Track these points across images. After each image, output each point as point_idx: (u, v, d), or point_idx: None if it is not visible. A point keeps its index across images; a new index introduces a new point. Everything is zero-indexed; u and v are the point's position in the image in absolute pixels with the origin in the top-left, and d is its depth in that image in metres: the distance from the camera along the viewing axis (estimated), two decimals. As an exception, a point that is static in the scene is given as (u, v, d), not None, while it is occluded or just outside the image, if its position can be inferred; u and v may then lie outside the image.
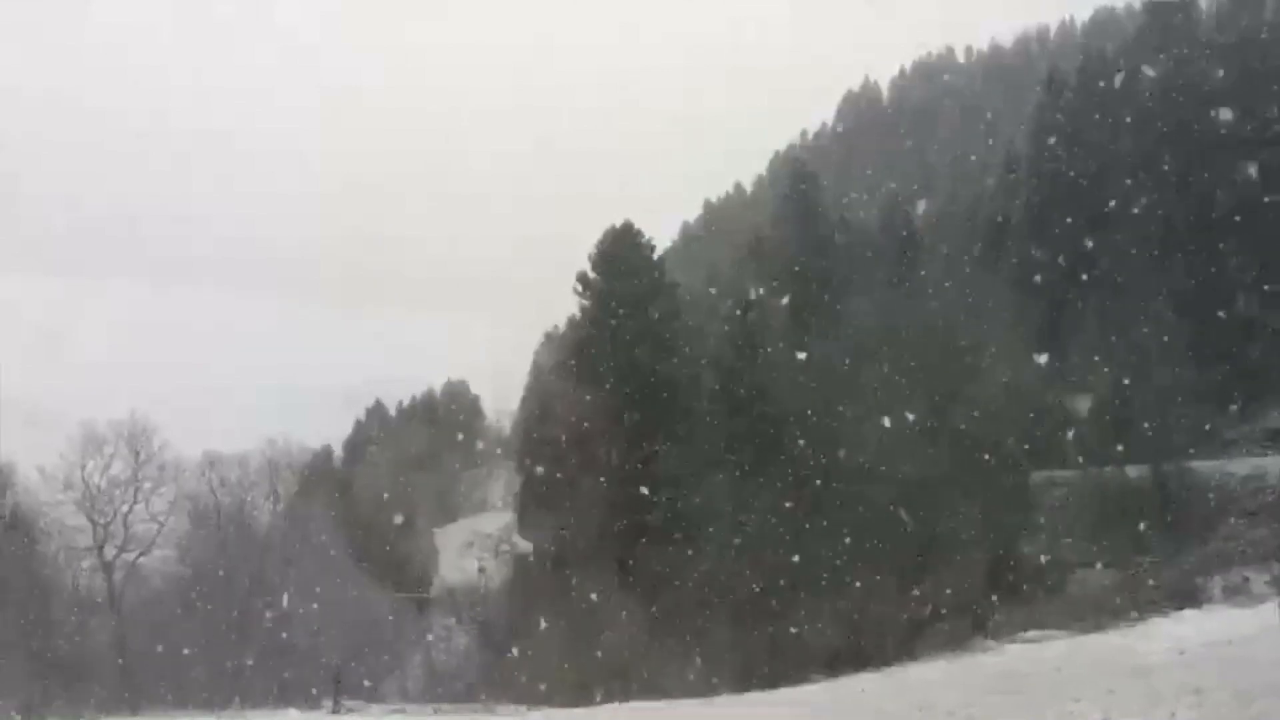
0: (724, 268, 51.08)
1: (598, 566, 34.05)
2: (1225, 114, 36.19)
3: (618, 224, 41.70)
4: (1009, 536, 31.55)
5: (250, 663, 39.97)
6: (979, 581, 29.43)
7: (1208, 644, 18.26)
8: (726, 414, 35.70)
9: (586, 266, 41.58)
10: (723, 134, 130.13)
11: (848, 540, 29.54)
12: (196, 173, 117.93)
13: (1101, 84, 43.96)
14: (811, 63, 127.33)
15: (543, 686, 29.53)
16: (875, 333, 34.66)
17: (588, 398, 37.81)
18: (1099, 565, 30.22)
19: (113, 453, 44.59)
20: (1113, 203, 37.42)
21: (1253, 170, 35.80)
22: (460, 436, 72.74)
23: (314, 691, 36.31)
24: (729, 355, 37.28)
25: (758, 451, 33.84)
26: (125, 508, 44.70)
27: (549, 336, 60.66)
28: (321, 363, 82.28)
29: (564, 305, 45.96)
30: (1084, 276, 37.85)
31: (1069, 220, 40.60)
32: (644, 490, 35.63)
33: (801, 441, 32.22)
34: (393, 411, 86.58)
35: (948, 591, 28.97)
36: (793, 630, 28.81)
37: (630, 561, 34.21)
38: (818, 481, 31.26)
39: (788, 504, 31.56)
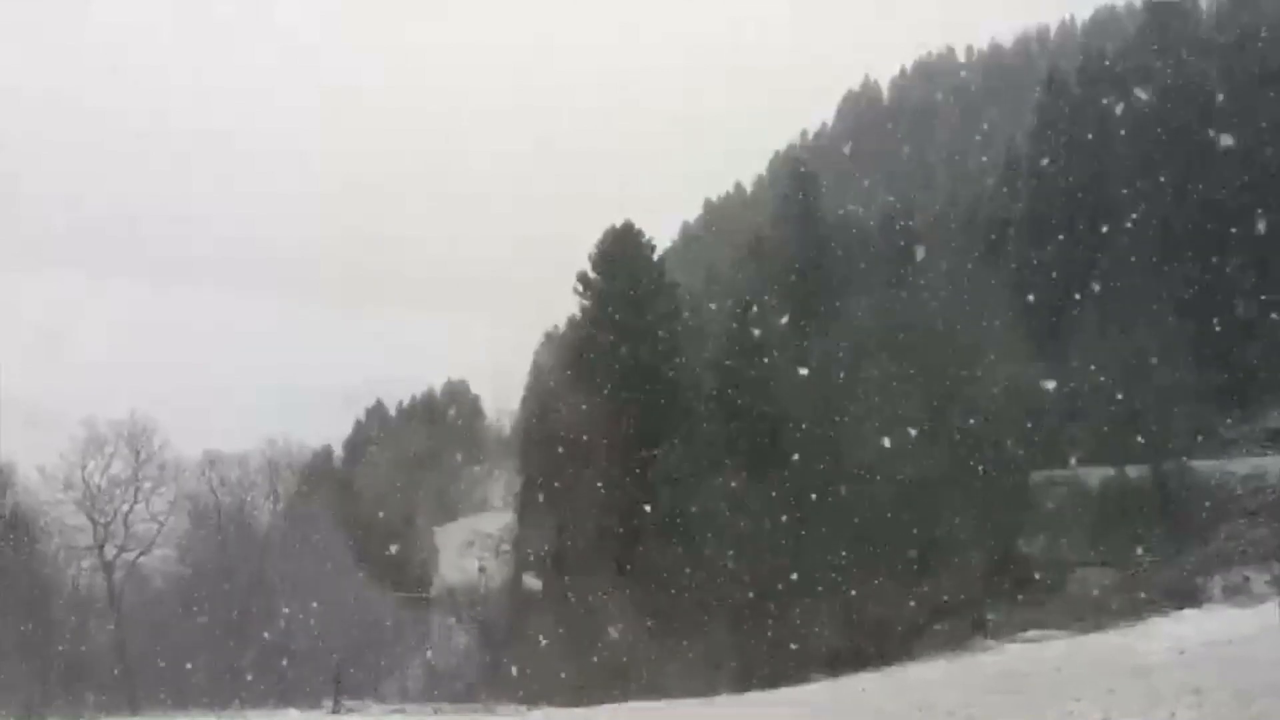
0: (724, 268, 51.08)
1: (598, 566, 34.06)
2: (1225, 114, 36.20)
3: (618, 224, 41.68)
4: (1009, 537, 31.57)
5: (250, 662, 40.02)
6: (979, 582, 29.46)
7: (1208, 644, 18.27)
8: (726, 414, 35.71)
9: (587, 266, 41.58)
10: (723, 134, 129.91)
11: (848, 540, 29.57)
12: (196, 173, 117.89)
13: (1102, 84, 43.95)
14: (811, 63, 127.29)
15: (543, 686, 29.55)
16: (875, 333, 34.65)
17: (588, 398, 37.80)
18: (1099, 565, 30.25)
19: (113, 452, 44.61)
20: (1113, 203, 37.42)
21: (1253, 170, 35.81)
22: (460, 436, 72.83)
23: (314, 691, 36.36)
24: (729, 355, 37.27)
25: (757, 452, 33.85)
26: (125, 507, 44.71)
27: (549, 336, 60.61)
28: (321, 363, 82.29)
29: (564, 305, 45.97)
30: (1084, 277, 37.81)
31: (1069, 220, 40.61)
32: (644, 490, 35.66)
33: (801, 442, 32.23)
34: (393, 411, 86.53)
35: (948, 592, 29.00)
36: (793, 630, 28.82)
37: (630, 561, 34.21)
38: (818, 482, 31.25)
39: (787, 504, 31.57)
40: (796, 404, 33.25)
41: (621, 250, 41.04)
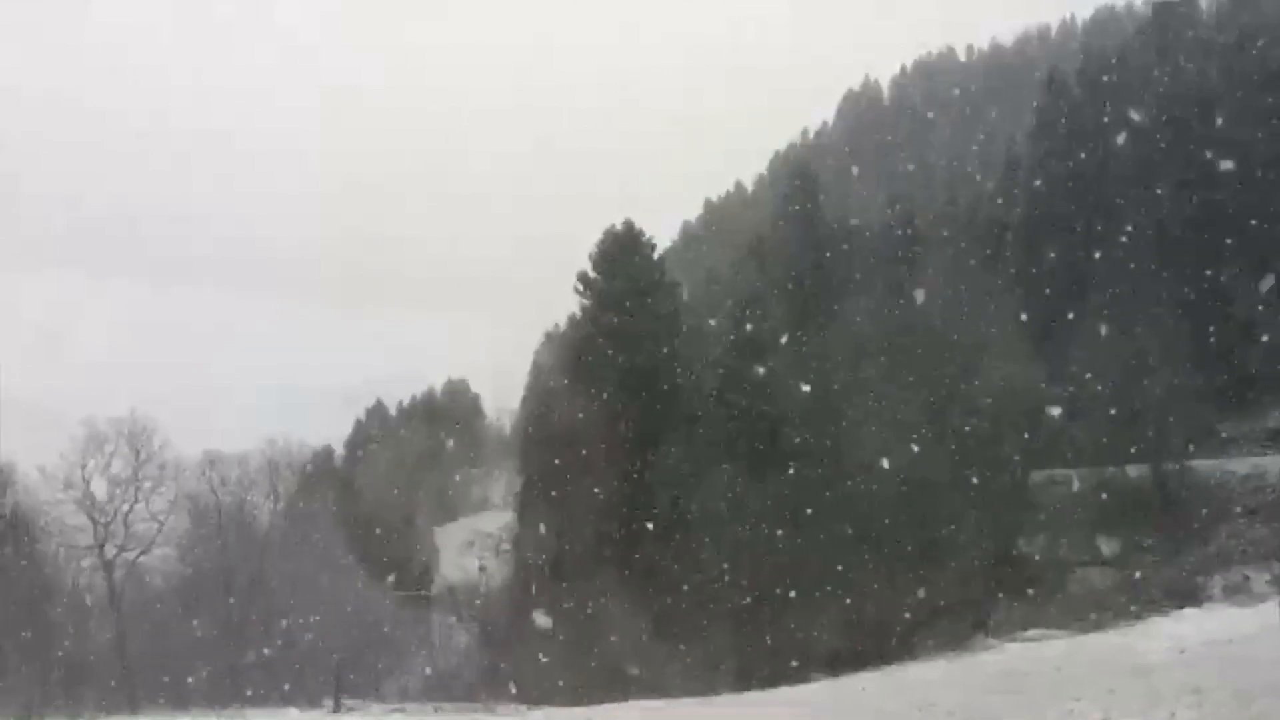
0: (724, 268, 51.05)
1: (598, 565, 34.06)
2: (1225, 114, 36.22)
3: (618, 224, 41.67)
4: (1009, 536, 31.59)
5: (250, 662, 40.00)
6: (979, 581, 29.47)
7: (1208, 643, 18.26)
8: (727, 414, 35.70)
9: (587, 266, 41.57)
10: (723, 134, 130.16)
11: (848, 540, 29.58)
12: (196, 173, 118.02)
13: (1102, 84, 43.95)
14: (811, 62, 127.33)
15: (543, 685, 29.54)
16: (875, 333, 34.67)
17: (588, 397, 37.80)
18: (1099, 565, 30.26)
19: (113, 452, 44.53)
20: (1113, 203, 37.44)
21: (1253, 170, 35.78)
22: (461, 436, 72.85)
23: (314, 690, 36.35)
24: (729, 355, 37.27)
25: (757, 451, 33.85)
26: (126, 507, 44.66)
27: (549, 336, 60.62)
28: (321, 363, 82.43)
29: (564, 305, 45.98)
30: (1084, 277, 37.84)
31: (1069, 220, 40.62)
32: (644, 490, 35.68)
33: (801, 441, 32.24)
34: (393, 411, 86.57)
35: (948, 591, 28.99)
36: (793, 629, 28.81)
37: (630, 560, 34.20)
38: (818, 481, 31.27)
39: (787, 504, 31.58)
40: (797, 404, 33.24)
41: (622, 250, 41.03)
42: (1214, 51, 41.60)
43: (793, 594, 29.75)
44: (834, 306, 38.20)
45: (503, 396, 77.05)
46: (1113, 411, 32.47)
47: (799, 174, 55.68)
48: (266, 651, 39.85)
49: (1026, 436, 32.07)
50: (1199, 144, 36.45)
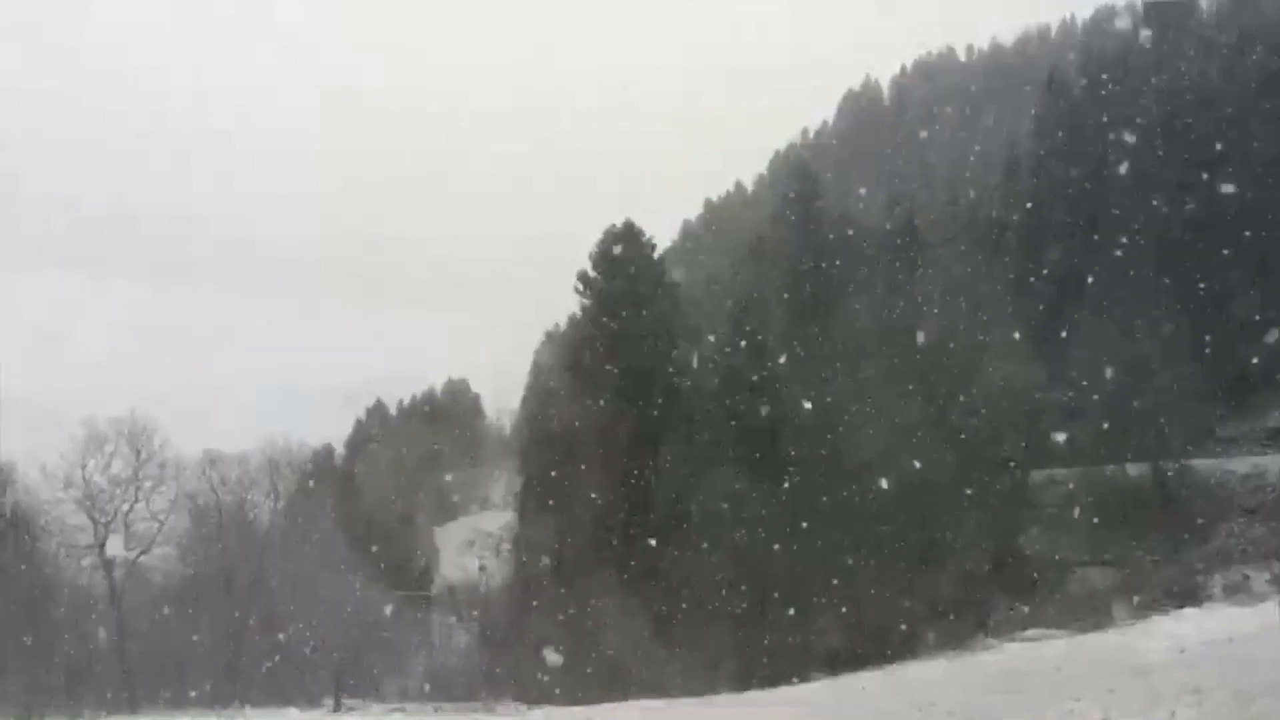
0: (725, 267, 51.05)
1: (598, 565, 34.07)
2: (1225, 113, 36.22)
3: (618, 224, 41.68)
4: (1009, 535, 31.61)
5: (251, 661, 40.00)
6: (979, 581, 29.50)
7: (1208, 642, 18.26)
8: (727, 413, 35.71)
9: (587, 266, 41.57)
10: (723, 134, 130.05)
11: (848, 539, 29.58)
12: (196, 173, 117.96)
13: (1102, 83, 43.96)
14: (811, 62, 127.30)
15: (543, 685, 29.55)
16: (875, 332, 34.68)
17: (588, 397, 37.82)
18: (1099, 564, 30.28)
19: (113, 451, 44.47)
20: (1113, 202, 37.44)
21: (1253, 169, 35.80)
22: (461, 435, 72.85)
23: (314, 690, 36.38)
24: (730, 355, 37.27)
25: (758, 451, 33.85)
26: (126, 506, 44.62)
27: (550, 335, 60.64)
28: (321, 363, 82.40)
29: (564, 305, 45.97)
30: (1084, 276, 37.85)
31: (1069, 219, 40.63)
32: (644, 489, 35.69)
33: (801, 441, 32.25)
34: (393, 410, 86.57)
35: (948, 591, 29.02)
36: (793, 629, 28.82)
37: (630, 560, 34.21)
38: (818, 480, 31.28)
39: (788, 503, 31.59)
40: (797, 404, 33.24)
41: (622, 249, 41.02)
42: (1214, 52, 41.62)
43: (793, 593, 29.77)
44: (834, 306, 38.21)
45: (503, 396, 77.09)
46: (1113, 411, 32.49)
47: (799, 174, 55.74)
48: (266, 651, 39.86)
49: (1026, 436, 32.09)
50: (1199, 144, 36.48)
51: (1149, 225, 36.68)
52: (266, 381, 74.50)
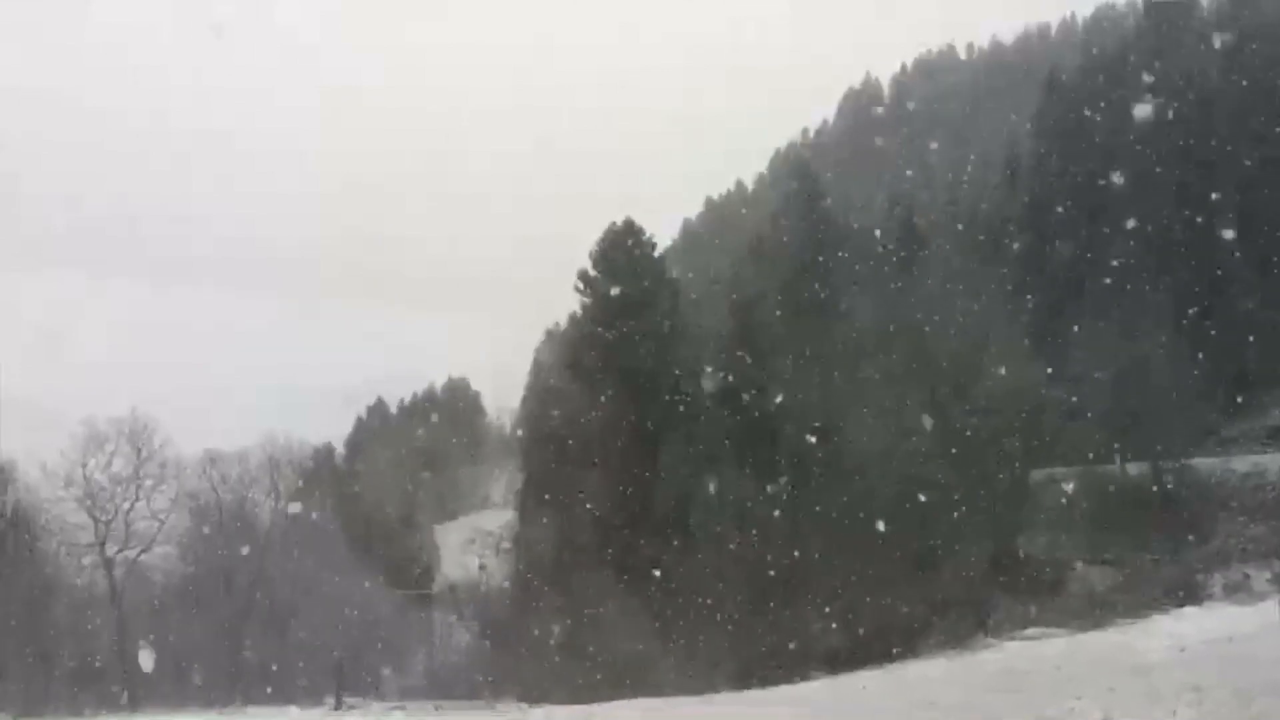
0: (725, 265, 51.02)
1: (598, 564, 34.09)
2: (1226, 112, 36.21)
3: (619, 222, 41.67)
4: (1009, 534, 31.59)
5: (251, 659, 40.08)
6: (980, 579, 29.48)
7: (1208, 641, 18.28)
8: (727, 412, 35.71)
9: (587, 265, 41.56)
10: (723, 133, 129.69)
11: (848, 539, 29.56)
12: (196, 173, 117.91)
13: (1103, 82, 43.92)
14: (812, 61, 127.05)
15: (543, 683, 29.58)
16: (876, 331, 34.65)
17: (589, 395, 37.83)
18: (1099, 563, 30.28)
19: (114, 450, 44.57)
20: (1113, 201, 37.40)
21: (1253, 169, 35.81)
22: (461, 434, 72.84)
23: (315, 688, 36.41)
24: (730, 353, 37.27)
25: (758, 449, 33.85)
26: (126, 505, 44.70)
27: (550, 334, 60.65)
28: (321, 363, 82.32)
29: (564, 304, 45.95)
30: (1084, 275, 37.82)
31: (1069, 218, 40.60)
32: (645, 488, 35.68)
33: (802, 439, 32.24)
34: (394, 409, 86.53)
35: (948, 590, 29.02)
36: (793, 628, 28.83)
37: (631, 559, 34.20)
38: (818, 479, 31.28)
39: (788, 502, 31.59)
40: (797, 401, 33.24)
41: (622, 248, 41.02)
42: (1215, 50, 41.54)
43: (793, 592, 29.78)
44: (834, 305, 38.17)
45: (503, 395, 77.10)
46: (1113, 410, 32.48)
47: (799, 173, 55.70)
48: (267, 649, 39.92)
49: (1026, 435, 32.07)
50: (1199, 143, 36.46)
51: (1149, 224, 36.64)
52: (266, 381, 74.45)
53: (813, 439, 31.60)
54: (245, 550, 43.55)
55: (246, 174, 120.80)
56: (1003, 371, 32.32)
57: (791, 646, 28.30)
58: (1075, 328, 35.17)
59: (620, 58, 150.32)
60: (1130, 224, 36.05)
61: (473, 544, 57.21)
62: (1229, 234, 34.65)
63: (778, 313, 37.60)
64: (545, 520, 37.90)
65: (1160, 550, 29.75)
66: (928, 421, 30.92)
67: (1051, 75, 50.44)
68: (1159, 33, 45.05)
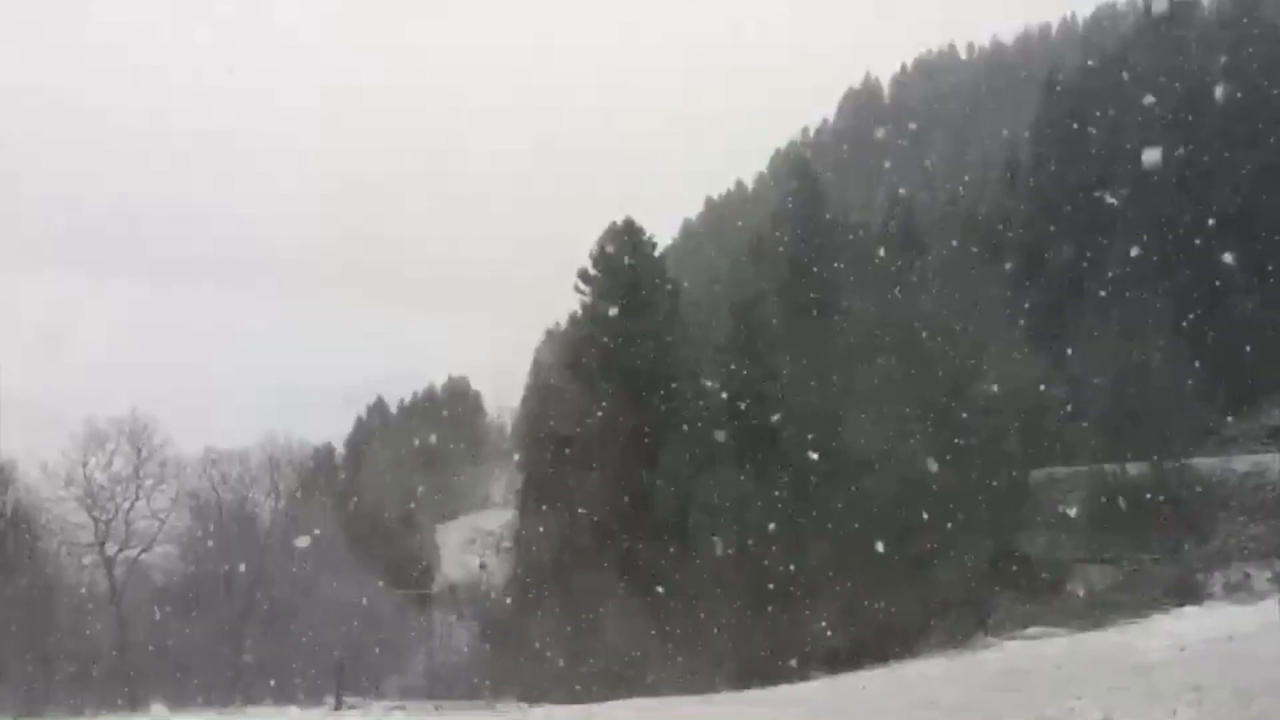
0: (725, 265, 51.07)
1: (598, 563, 34.11)
2: (1226, 113, 36.19)
3: (619, 222, 41.70)
4: (1009, 534, 31.58)
5: (251, 659, 40.08)
6: (980, 579, 29.47)
7: (1208, 641, 18.26)
8: (727, 411, 35.73)
9: (587, 265, 41.59)
10: (723, 133, 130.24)
11: (848, 538, 29.57)
12: (196, 173, 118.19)
13: (1103, 82, 43.92)
14: (812, 61, 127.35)
15: (544, 683, 29.57)
16: (876, 331, 34.65)
17: (589, 395, 37.85)
18: (1100, 563, 30.27)
19: (114, 449, 44.61)
20: (1113, 201, 37.40)
21: (1253, 169, 35.81)
22: (462, 434, 72.92)
23: (315, 688, 36.38)
24: (730, 353, 37.29)
25: (758, 449, 33.88)
26: (127, 504, 44.71)
27: (550, 334, 60.71)
28: (321, 363, 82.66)
29: (565, 304, 46.06)
30: (1084, 275, 37.85)
31: (1069, 218, 40.61)
32: (645, 487, 35.70)
33: (802, 439, 32.24)
34: (394, 409, 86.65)
35: (948, 589, 29.02)
36: (793, 628, 28.84)
37: (631, 558, 34.24)
38: (818, 479, 31.29)
39: (788, 501, 31.60)
40: (797, 400, 33.26)
41: (622, 247, 41.05)
42: (1215, 51, 41.52)
43: (792, 592, 29.78)
44: (834, 305, 38.20)
45: (503, 394, 77.27)
46: (1113, 410, 32.48)
47: (799, 172, 55.78)
48: (267, 649, 39.91)
49: (1026, 435, 32.07)
50: (1199, 143, 36.45)
51: (1149, 224, 36.65)
52: (266, 381, 74.67)
53: (812, 438, 31.62)
54: (245, 550, 43.59)
55: (246, 174, 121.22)
56: (1002, 372, 32.33)
57: (791, 646, 28.28)
58: (1075, 328, 35.20)
59: (620, 58, 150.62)
60: (1130, 223, 36.09)
61: (473, 544, 57.36)
62: (1229, 234, 34.67)
63: (778, 313, 37.63)
64: (545, 520, 37.92)
65: (1160, 550, 29.73)
66: (927, 420, 30.94)
67: (1051, 76, 50.43)
68: (1159, 33, 45.02)
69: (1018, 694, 16.54)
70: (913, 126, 78.60)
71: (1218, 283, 35.04)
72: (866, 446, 30.92)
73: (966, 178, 59.33)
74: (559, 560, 36.44)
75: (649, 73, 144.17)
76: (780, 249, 43.45)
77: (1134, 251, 35.09)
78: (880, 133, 79.00)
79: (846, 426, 31.83)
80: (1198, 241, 35.28)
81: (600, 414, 37.03)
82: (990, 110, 75.76)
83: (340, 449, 73.66)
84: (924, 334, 33.31)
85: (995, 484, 30.98)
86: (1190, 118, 37.65)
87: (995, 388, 31.96)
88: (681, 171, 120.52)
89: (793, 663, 26.55)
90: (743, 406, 35.01)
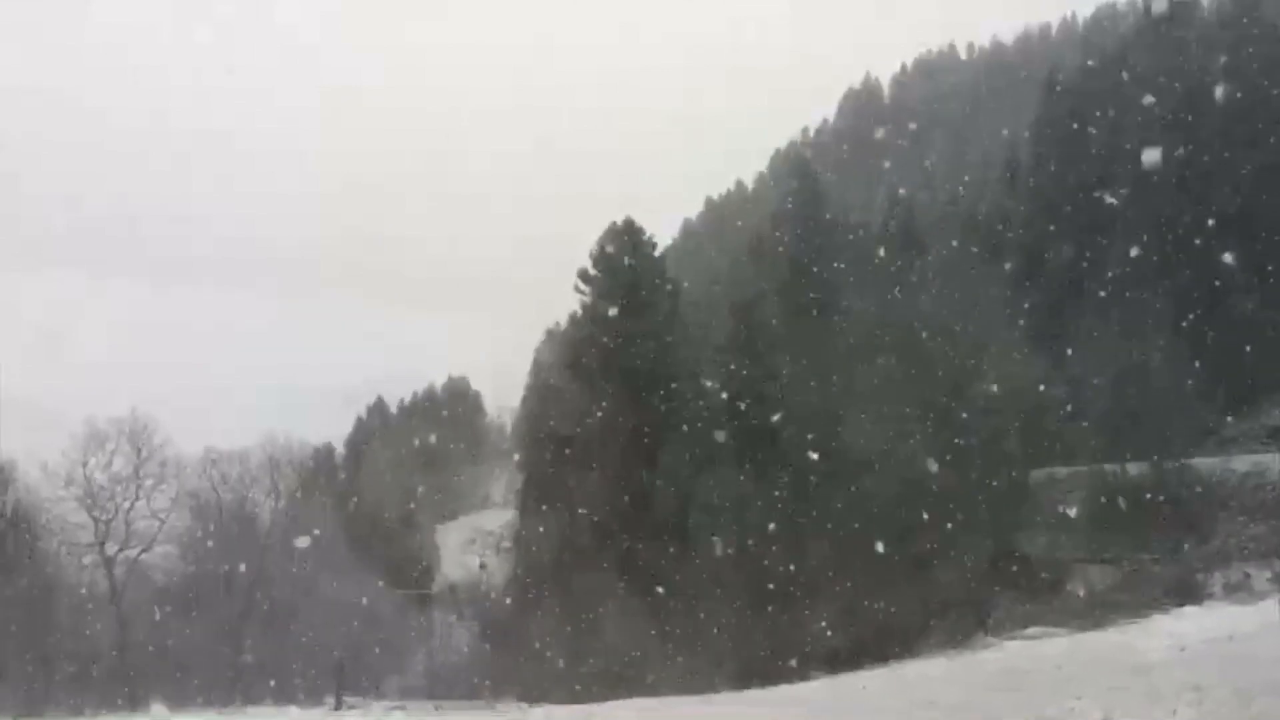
0: (725, 265, 51.07)
1: (598, 564, 34.11)
2: (1226, 113, 36.19)
3: (619, 221, 41.70)
4: (1010, 534, 31.59)
5: (251, 659, 40.06)
6: (980, 579, 29.48)
7: (1208, 641, 18.26)
8: (727, 411, 35.73)
9: (587, 265, 41.59)
10: (723, 133, 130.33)
11: (848, 538, 29.58)
12: (196, 173, 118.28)
13: (1103, 82, 43.93)
14: (812, 61, 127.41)
15: (544, 683, 29.57)
16: (875, 331, 34.66)
17: (589, 395, 37.85)
18: (1100, 563, 30.28)
19: (114, 449, 44.58)
20: (1113, 201, 37.41)
21: (1253, 168, 35.81)
22: (462, 434, 72.94)
23: (315, 688, 36.37)
24: (730, 353, 37.29)
25: (758, 449, 33.88)
26: (127, 504, 44.69)
27: (550, 334, 60.72)
28: (321, 363, 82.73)
29: (565, 304, 46.09)
30: (1084, 275, 37.85)
31: (1069, 218, 40.61)
32: (645, 487, 35.70)
33: (802, 439, 32.25)
34: (394, 409, 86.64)
35: (948, 589, 29.02)
36: (793, 628, 28.84)
37: (631, 559, 34.24)
38: (818, 479, 31.29)
39: (787, 501, 31.60)
40: (797, 400, 33.25)
41: (622, 247, 41.04)
42: (1215, 51, 41.53)
43: (792, 592, 29.78)
44: (834, 305, 38.21)
45: (503, 394, 77.31)
46: (1113, 410, 32.48)
47: (799, 172, 55.78)
48: (267, 649, 39.90)
49: (1026, 435, 32.08)
50: (1199, 143, 36.45)
51: (1150, 224, 36.65)
52: (266, 381, 74.74)
53: (813, 438, 31.62)
54: (245, 550, 43.58)
55: (246, 174, 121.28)
56: (1002, 372, 32.34)
57: (791, 646, 28.28)
58: (1075, 328, 35.20)
59: (620, 58, 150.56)
60: (1130, 223, 36.09)
61: (473, 544, 57.36)
62: (1229, 234, 34.67)
63: (777, 313, 37.64)
64: (545, 520, 37.92)
65: (1160, 550, 29.75)
66: (927, 420, 30.94)
67: (1051, 75, 50.43)
68: (1159, 33, 45.02)
69: (1018, 694, 16.54)
70: (913, 126, 78.60)
71: (1218, 283, 35.04)
72: (866, 446, 30.92)
73: (966, 178, 59.33)
74: (559, 560, 36.44)
75: (649, 73, 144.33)
76: (780, 249, 43.45)
77: (1134, 251, 35.09)
78: (880, 133, 79.01)
79: (846, 426, 31.82)
80: (1198, 241, 35.28)
81: (600, 414, 37.02)
82: (990, 110, 75.75)
83: (340, 449, 73.70)
84: (924, 334, 33.30)
85: (995, 484, 30.98)
86: (1190, 118, 37.64)
87: (995, 388, 31.95)
88: (681, 171, 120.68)
89: (793, 663, 26.55)
90: (743, 406, 35.01)
